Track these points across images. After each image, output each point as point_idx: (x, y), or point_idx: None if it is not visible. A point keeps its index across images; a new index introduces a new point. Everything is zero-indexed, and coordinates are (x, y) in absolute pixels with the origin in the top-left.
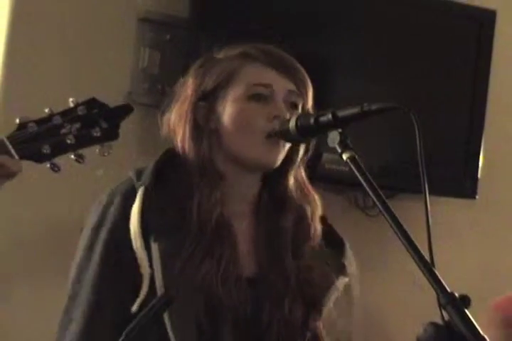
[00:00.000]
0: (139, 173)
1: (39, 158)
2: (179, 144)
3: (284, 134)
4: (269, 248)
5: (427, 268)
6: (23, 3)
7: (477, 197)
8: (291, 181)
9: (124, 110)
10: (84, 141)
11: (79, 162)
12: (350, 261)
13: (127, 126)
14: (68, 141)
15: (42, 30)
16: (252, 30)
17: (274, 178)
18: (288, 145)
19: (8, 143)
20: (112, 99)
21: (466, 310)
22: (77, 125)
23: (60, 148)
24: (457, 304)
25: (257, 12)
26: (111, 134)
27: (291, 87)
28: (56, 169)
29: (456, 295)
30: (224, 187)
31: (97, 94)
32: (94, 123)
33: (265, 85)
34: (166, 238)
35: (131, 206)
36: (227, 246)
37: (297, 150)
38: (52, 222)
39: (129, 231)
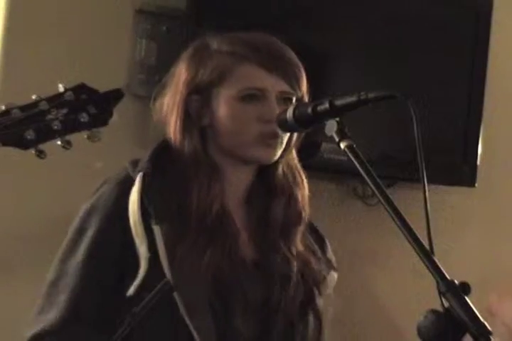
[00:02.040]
0: (135, 163)
1: (23, 143)
2: (171, 135)
3: (281, 124)
4: (264, 233)
5: (427, 256)
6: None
7: (476, 185)
8: (283, 166)
9: (115, 95)
10: (70, 126)
11: (66, 148)
12: (331, 255)
13: (125, 118)
14: (54, 127)
15: (38, 23)
16: (249, 22)
17: (266, 165)
18: (285, 139)
19: None
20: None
21: (466, 297)
22: (64, 110)
23: (46, 134)
24: (457, 291)
25: (255, 4)
26: (100, 120)
27: (285, 87)
28: (42, 156)
29: (456, 282)
30: (221, 178)
31: (94, 86)
32: (82, 108)
33: (257, 89)
34: (167, 222)
35: (125, 193)
36: (229, 234)
37: (291, 138)
38: (52, 216)
39: (122, 217)
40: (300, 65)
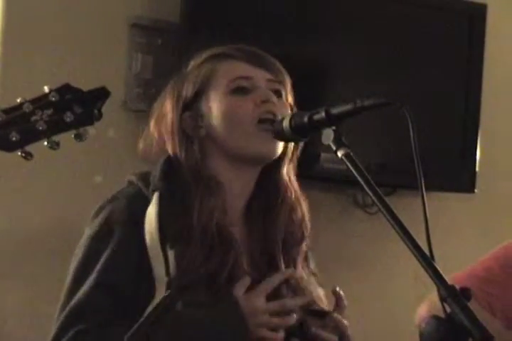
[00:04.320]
0: (144, 178)
1: (8, 146)
2: (171, 152)
3: (278, 134)
4: (263, 248)
5: (427, 262)
6: (14, 13)
7: (476, 190)
8: (285, 177)
9: (100, 94)
10: (56, 126)
11: (53, 149)
12: (314, 266)
13: (123, 132)
14: (39, 128)
15: (33, 38)
16: (244, 34)
17: (267, 174)
18: None
19: None
20: (106, 106)
21: (467, 303)
22: (49, 111)
23: (31, 135)
24: (458, 297)
25: (250, 15)
26: (85, 119)
27: (270, 76)
28: (29, 157)
29: (457, 288)
30: (221, 191)
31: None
32: (68, 108)
33: (245, 77)
34: (178, 245)
35: (137, 211)
36: (229, 250)
37: (287, 148)
38: (51, 223)
39: (137, 238)
40: (284, 70)
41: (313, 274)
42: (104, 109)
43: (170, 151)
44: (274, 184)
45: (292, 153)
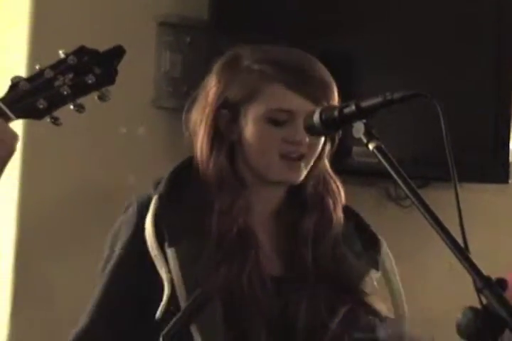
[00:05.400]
0: (157, 183)
1: (37, 114)
2: (199, 148)
3: (309, 128)
4: (291, 248)
5: (462, 254)
6: (42, 14)
7: (510, 181)
8: (313, 178)
9: (116, 53)
10: (80, 89)
11: (80, 112)
12: (386, 258)
13: (154, 130)
14: (64, 92)
15: (61, 38)
16: (272, 30)
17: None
18: (312, 160)
19: (2, 104)
20: (136, 104)
21: (503, 293)
22: (70, 75)
23: (57, 101)
24: (494, 287)
25: (277, 12)
26: (106, 79)
27: (312, 109)
28: (58, 122)
29: (493, 279)
30: (247, 194)
31: (121, 101)
32: (87, 70)
33: (285, 111)
34: (182, 244)
35: (144, 216)
36: (250, 250)
37: (322, 152)
38: (85, 189)
39: (141, 241)
40: (332, 83)
41: (373, 259)
42: (134, 108)
43: (198, 145)
44: (303, 188)
45: (323, 149)
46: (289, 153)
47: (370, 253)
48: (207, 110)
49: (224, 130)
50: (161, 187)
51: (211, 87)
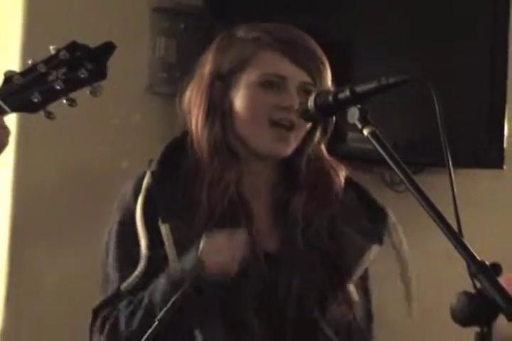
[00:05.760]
0: (151, 160)
1: (31, 107)
2: (193, 123)
3: (303, 113)
4: (284, 225)
5: (456, 239)
6: (34, 6)
7: (505, 167)
8: (307, 160)
9: (107, 48)
10: (72, 84)
11: (72, 106)
12: (393, 230)
13: (149, 116)
14: (57, 87)
15: (54, 25)
16: (267, 16)
17: (290, 158)
18: (301, 133)
19: None
20: (131, 90)
21: (497, 278)
22: (63, 70)
23: (51, 95)
24: (488, 272)
25: None
26: (98, 74)
27: (306, 78)
28: (52, 116)
29: (487, 263)
30: (239, 165)
31: (116, 87)
32: (80, 65)
33: (279, 76)
34: (176, 219)
35: (138, 190)
36: (241, 221)
37: (314, 132)
38: (80, 176)
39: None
40: (324, 59)
41: (376, 231)
42: (129, 94)
43: (193, 120)
44: (295, 168)
45: (314, 128)
46: (279, 120)
47: (377, 227)
48: (202, 85)
49: (217, 102)
50: (154, 164)
51: (206, 64)
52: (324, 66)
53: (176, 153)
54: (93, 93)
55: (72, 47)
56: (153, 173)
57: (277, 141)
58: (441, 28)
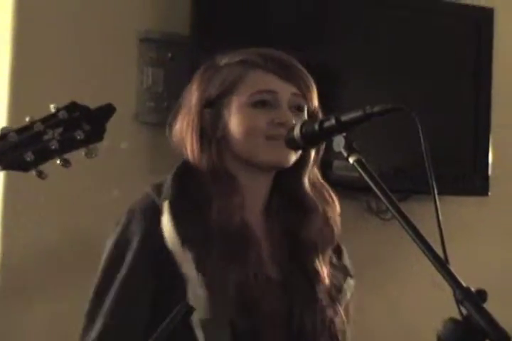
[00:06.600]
0: (157, 188)
1: (23, 166)
2: (189, 154)
3: (289, 142)
4: (289, 249)
5: (442, 266)
6: (24, 28)
7: (489, 194)
8: (306, 182)
9: (107, 111)
10: (68, 145)
11: (65, 167)
12: (348, 262)
13: (136, 145)
14: (52, 147)
15: (43, 53)
16: (255, 45)
17: (286, 179)
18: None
19: None
20: (119, 120)
21: (483, 304)
22: (60, 130)
23: (44, 155)
24: (474, 298)
25: (260, 27)
26: (95, 136)
27: (295, 90)
28: (43, 176)
29: (473, 290)
30: (239, 189)
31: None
32: (77, 126)
33: (269, 91)
34: (196, 248)
35: (153, 222)
36: (252, 248)
37: (306, 155)
38: (70, 239)
39: (153, 244)
40: (310, 77)
41: (344, 266)
42: (116, 123)
43: (188, 150)
44: (293, 186)
45: (314, 161)
46: (276, 136)
47: (340, 262)
48: (191, 114)
49: (209, 129)
50: (168, 193)
51: (192, 94)
52: (310, 83)
53: (185, 178)
54: (88, 154)
55: (72, 107)
56: (171, 203)
57: (275, 151)
58: (426, 55)
